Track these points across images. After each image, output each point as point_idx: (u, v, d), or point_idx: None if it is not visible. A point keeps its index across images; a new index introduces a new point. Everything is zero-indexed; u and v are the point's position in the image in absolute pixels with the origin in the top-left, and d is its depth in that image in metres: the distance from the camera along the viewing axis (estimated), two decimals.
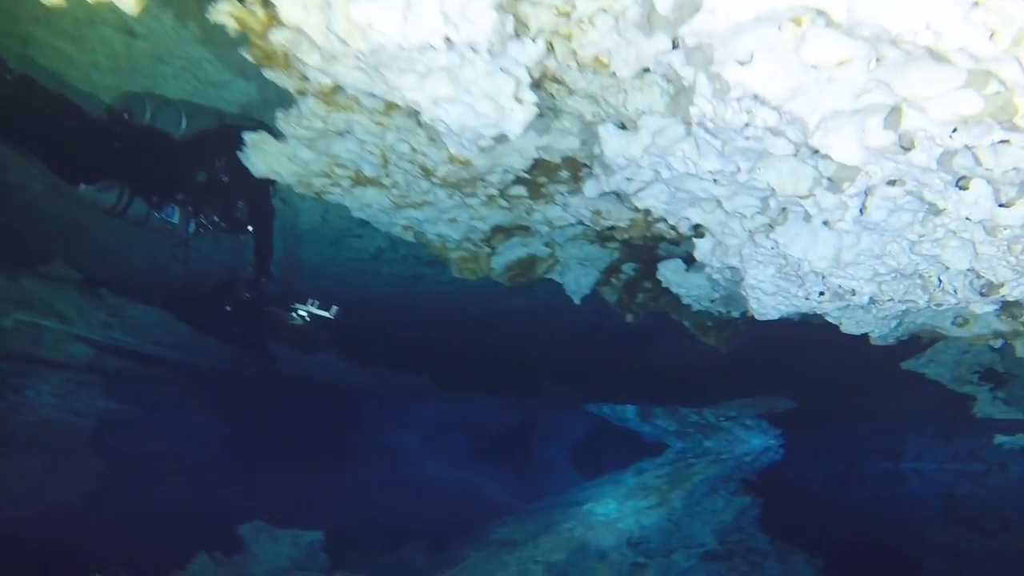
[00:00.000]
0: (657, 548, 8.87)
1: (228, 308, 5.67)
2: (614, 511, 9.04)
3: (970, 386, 7.17)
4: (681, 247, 5.23)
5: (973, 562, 12.33)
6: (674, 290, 5.14)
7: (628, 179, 3.49)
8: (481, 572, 9.34)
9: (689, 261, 5.08)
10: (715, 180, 3.14)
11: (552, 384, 18.70)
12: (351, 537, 14.67)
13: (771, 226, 3.26)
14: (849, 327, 4.03)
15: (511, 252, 5.49)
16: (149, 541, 10.47)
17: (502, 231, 5.16)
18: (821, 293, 3.49)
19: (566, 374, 17.78)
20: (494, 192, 4.41)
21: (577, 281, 5.99)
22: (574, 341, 14.87)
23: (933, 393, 13.83)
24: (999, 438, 11.03)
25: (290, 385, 14.48)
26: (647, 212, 4.02)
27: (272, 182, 4.26)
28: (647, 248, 5.79)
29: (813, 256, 3.15)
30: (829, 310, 3.78)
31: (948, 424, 13.24)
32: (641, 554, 8.73)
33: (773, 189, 2.88)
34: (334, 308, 6.08)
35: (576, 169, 4.08)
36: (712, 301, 5.24)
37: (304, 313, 6.03)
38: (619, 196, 3.98)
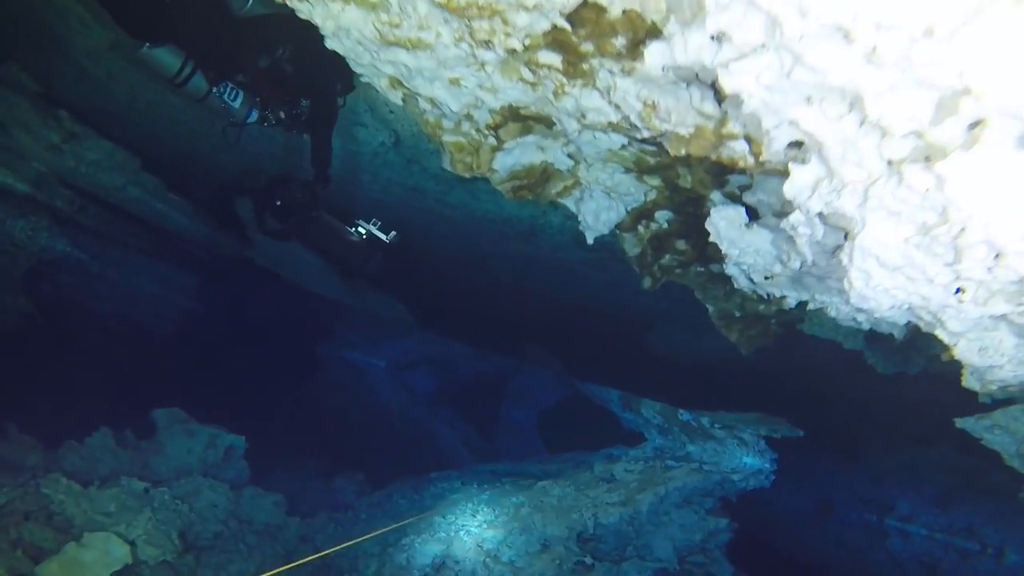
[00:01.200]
0: (608, 551, 7.73)
1: (279, 203, 5.53)
2: (570, 497, 7.88)
3: None
4: (744, 197, 3.94)
5: None
6: (724, 248, 3.83)
7: (721, 36, 2.19)
8: (412, 532, 8.22)
9: (754, 215, 3.78)
10: (872, 52, 1.85)
11: (537, 347, 17.59)
12: (284, 452, 13.71)
13: (940, 152, 1.96)
14: (968, 354, 2.73)
15: (523, 153, 4.19)
16: (55, 401, 9.42)
17: (517, 118, 3.86)
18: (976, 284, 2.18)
19: (553, 340, 16.64)
20: (517, 46, 3.10)
21: (597, 215, 4.70)
22: (571, 304, 13.67)
23: (981, 463, 12.70)
24: None
25: (265, 280, 13.55)
26: (726, 113, 2.72)
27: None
28: (695, 197, 4.49)
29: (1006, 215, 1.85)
30: (959, 321, 2.49)
31: (952, 486, 12.07)
32: (589, 553, 7.59)
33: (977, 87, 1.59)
34: (393, 234, 5.99)
35: (638, 32, 2.77)
36: (768, 278, 3.92)
37: (364, 231, 5.93)
38: (693, 79, 2.69)
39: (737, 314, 6.46)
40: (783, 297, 4.16)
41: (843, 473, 15.69)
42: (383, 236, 5.99)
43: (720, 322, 6.88)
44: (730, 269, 4.18)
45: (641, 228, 5.15)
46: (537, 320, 15.29)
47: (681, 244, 5.40)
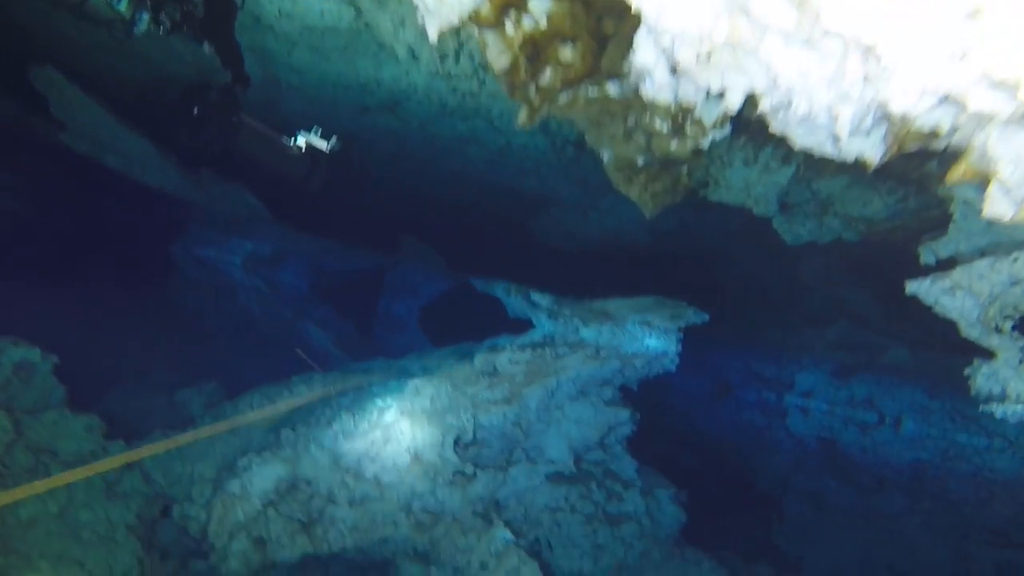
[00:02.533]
0: (492, 456, 6.57)
1: (195, 111, 5.23)
2: (445, 397, 6.60)
3: (997, 336, 4.87)
4: None
5: (837, 516, 10.92)
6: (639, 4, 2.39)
7: None
8: (254, 450, 6.79)
9: None
10: None
11: (413, 241, 16.12)
12: (130, 366, 11.99)
13: None
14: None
15: None
16: None
17: None
18: None
19: (430, 233, 15.13)
20: None
21: None
22: (447, 191, 12.29)
23: (879, 340, 12.13)
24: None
25: (88, 170, 11.60)
26: None
27: None
28: None
29: None
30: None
31: (851, 364, 11.59)
32: (470, 460, 6.39)
33: None
34: (333, 139, 5.71)
35: None
36: (706, 55, 2.51)
37: (302, 142, 5.66)
38: None
39: (640, 161, 5.11)
40: (720, 96, 2.79)
41: (741, 353, 15.21)
42: (323, 144, 5.64)
43: (618, 175, 5.52)
44: (643, 55, 2.76)
45: (509, 24, 3.64)
46: (411, 211, 13.71)
47: (567, 52, 3.93)
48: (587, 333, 7.30)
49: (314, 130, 5.68)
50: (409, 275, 17.23)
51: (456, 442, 6.29)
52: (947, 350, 12.08)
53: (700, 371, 14.99)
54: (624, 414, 6.85)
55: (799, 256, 14.61)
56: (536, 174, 11.85)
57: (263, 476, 5.85)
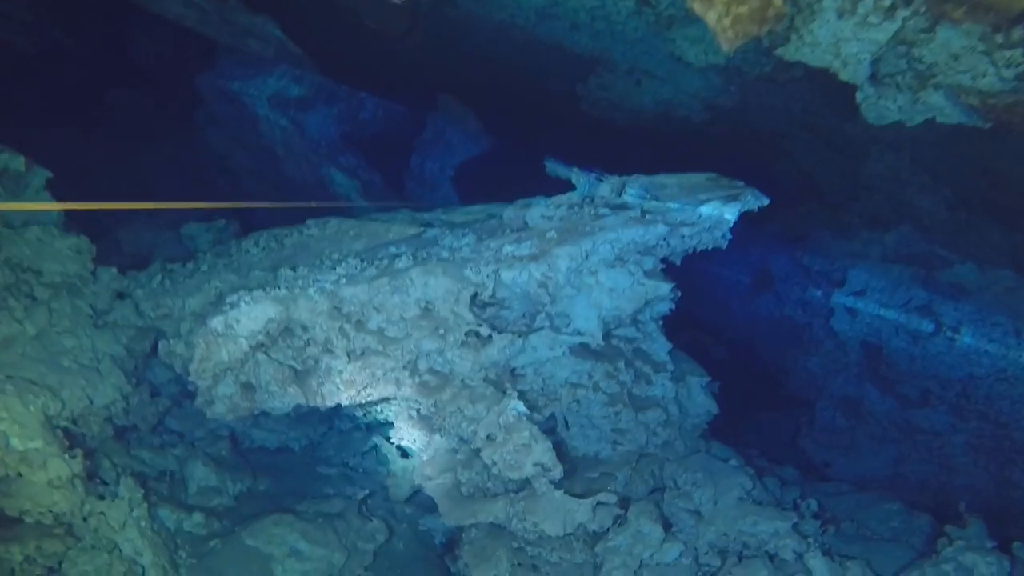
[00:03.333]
0: (512, 319, 5.83)
1: None
2: (467, 249, 5.82)
3: None
4: None
5: (872, 426, 10.23)
6: None
7: None
8: (245, 288, 6.12)
9: None
10: None
11: (451, 100, 15.10)
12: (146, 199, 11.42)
13: None
14: None
15: None
16: None
17: None
18: None
19: (471, 91, 14.09)
20: None
21: None
22: (488, 46, 11.22)
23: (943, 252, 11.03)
24: None
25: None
26: None
27: None
28: None
29: None
30: None
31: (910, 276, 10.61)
32: (487, 321, 5.66)
33: None
34: None
35: None
36: None
37: None
38: None
39: None
40: None
41: (788, 248, 14.26)
42: None
43: None
44: None
45: None
46: (451, 67, 12.62)
47: None
48: (633, 193, 6.41)
49: None
50: (446, 132, 16.26)
51: (473, 299, 5.54)
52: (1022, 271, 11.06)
53: (742, 259, 14.09)
54: (664, 288, 6.02)
55: (865, 153, 13.42)
56: (590, 30, 10.73)
57: (251, 315, 5.18)
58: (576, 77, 12.78)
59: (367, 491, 7.47)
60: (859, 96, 7.95)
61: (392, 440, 7.05)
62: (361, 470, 8.13)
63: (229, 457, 7.43)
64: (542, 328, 5.75)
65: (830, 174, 14.99)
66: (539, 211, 6.16)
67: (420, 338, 5.43)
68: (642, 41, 11.10)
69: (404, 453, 7.49)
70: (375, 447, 7.97)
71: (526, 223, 6.10)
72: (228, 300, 5.32)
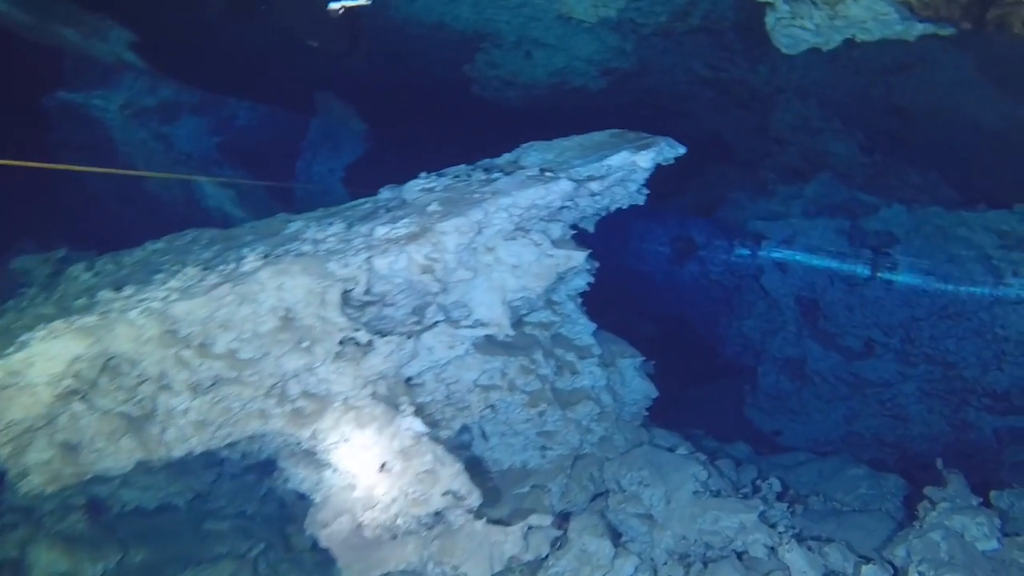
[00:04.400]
0: (399, 318, 4.73)
1: None
2: (333, 238, 4.70)
3: None
4: None
5: (819, 386, 9.54)
6: None
7: None
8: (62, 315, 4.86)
9: None
10: None
11: (331, 98, 14.01)
12: None
13: None
14: None
15: None
16: None
17: None
18: None
19: (350, 87, 13.02)
20: None
21: None
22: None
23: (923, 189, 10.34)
24: None
25: None
26: None
27: None
28: None
29: None
30: None
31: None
32: (364, 324, 4.55)
33: None
34: None
35: None
36: None
37: (339, 6, 5.03)
38: None
39: None
40: None
41: (705, 209, 13.58)
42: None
43: None
44: None
45: None
46: (325, 61, 11.47)
47: None
48: (531, 155, 5.41)
49: None
50: (332, 132, 15.04)
51: (345, 298, 4.43)
52: (952, 206, 10.56)
53: (661, 229, 13.36)
54: (578, 257, 5.02)
55: (771, 105, 12.82)
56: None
57: (48, 355, 3.94)
58: (462, 58, 11.76)
59: (263, 545, 6.31)
60: (770, 20, 7.15)
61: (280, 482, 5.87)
62: (259, 519, 6.93)
63: (87, 531, 6.11)
64: (436, 324, 4.68)
65: (738, 132, 14.37)
66: (419, 184, 5.08)
67: (282, 356, 4.30)
68: (527, 3, 10.17)
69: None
70: (271, 490, 6.78)
71: (404, 200, 5.01)
72: (18, 340, 4.08)
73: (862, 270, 9.47)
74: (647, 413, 6.33)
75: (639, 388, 6.07)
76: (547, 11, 10.03)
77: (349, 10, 5.22)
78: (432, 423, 4.73)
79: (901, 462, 8.83)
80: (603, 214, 5.76)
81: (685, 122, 13.84)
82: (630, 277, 13.79)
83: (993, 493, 6.33)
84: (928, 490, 5.69)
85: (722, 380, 11.24)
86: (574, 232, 5.41)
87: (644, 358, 6.19)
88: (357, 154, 14.47)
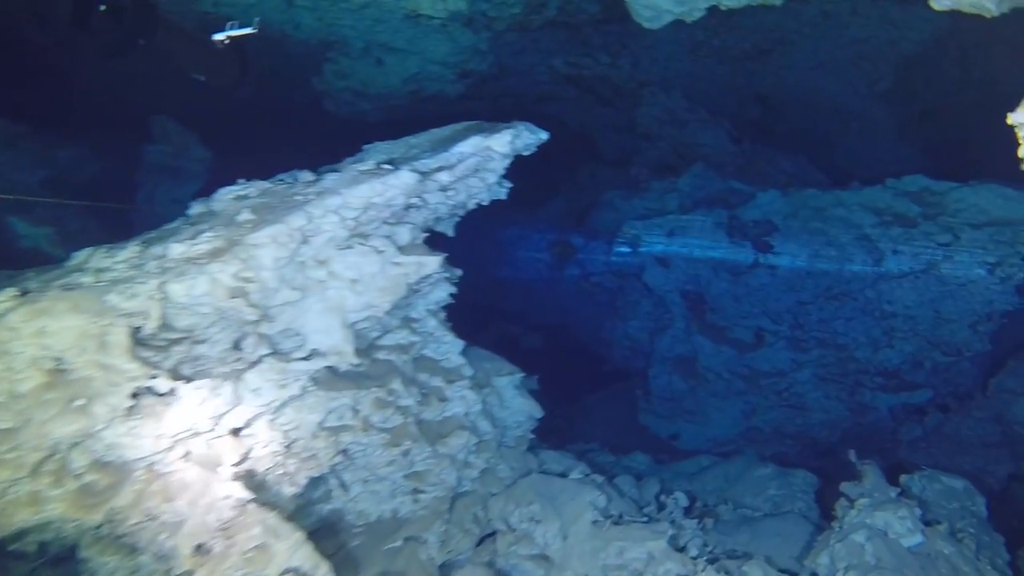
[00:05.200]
0: (215, 356, 3.79)
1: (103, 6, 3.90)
2: (126, 264, 3.72)
3: None
4: None
5: (714, 383, 9.08)
6: None
7: None
8: None
9: None
10: None
11: (170, 122, 12.77)
12: None
13: None
14: None
15: None
16: None
17: None
18: None
19: (190, 111, 11.91)
20: None
21: None
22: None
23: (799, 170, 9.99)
24: None
25: None
26: None
27: None
28: None
29: None
30: None
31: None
32: (164, 368, 3.58)
33: None
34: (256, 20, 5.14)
35: None
36: None
37: (224, 37, 4.98)
38: None
39: None
40: None
41: (579, 213, 13.10)
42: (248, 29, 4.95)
43: None
44: None
45: None
46: (158, 84, 10.32)
47: None
48: (374, 156, 4.57)
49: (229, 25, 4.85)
50: (172, 160, 13.62)
51: (137, 339, 3.46)
52: (826, 187, 10.40)
53: (537, 236, 12.77)
54: (431, 263, 4.21)
55: (636, 100, 12.48)
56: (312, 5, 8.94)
57: None
58: (309, 69, 10.86)
59: None
60: None
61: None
62: None
63: None
64: (261, 360, 3.76)
65: (606, 131, 14.03)
66: (231, 191, 4.16)
67: (49, 421, 3.30)
68: (371, 4, 9.37)
69: None
70: None
71: (212, 211, 4.08)
72: None
73: (744, 258, 9.11)
74: (533, 435, 5.58)
75: (521, 408, 5.32)
76: (393, 11, 9.28)
77: (234, 40, 5.10)
78: (265, 484, 3.80)
79: (803, 453, 8.46)
80: (461, 213, 5.00)
81: (551, 125, 13.27)
82: (509, 288, 13.13)
83: (904, 478, 5.95)
84: (844, 486, 5.20)
85: (613, 387, 10.68)
86: (428, 236, 4.61)
87: (524, 374, 5.44)
88: (201, 183, 13.23)
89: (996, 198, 7.65)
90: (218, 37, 5.04)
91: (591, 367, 11.23)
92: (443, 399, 4.74)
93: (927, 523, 4.96)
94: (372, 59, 10.76)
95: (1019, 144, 3.07)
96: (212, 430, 3.72)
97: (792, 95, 12.55)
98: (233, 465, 3.52)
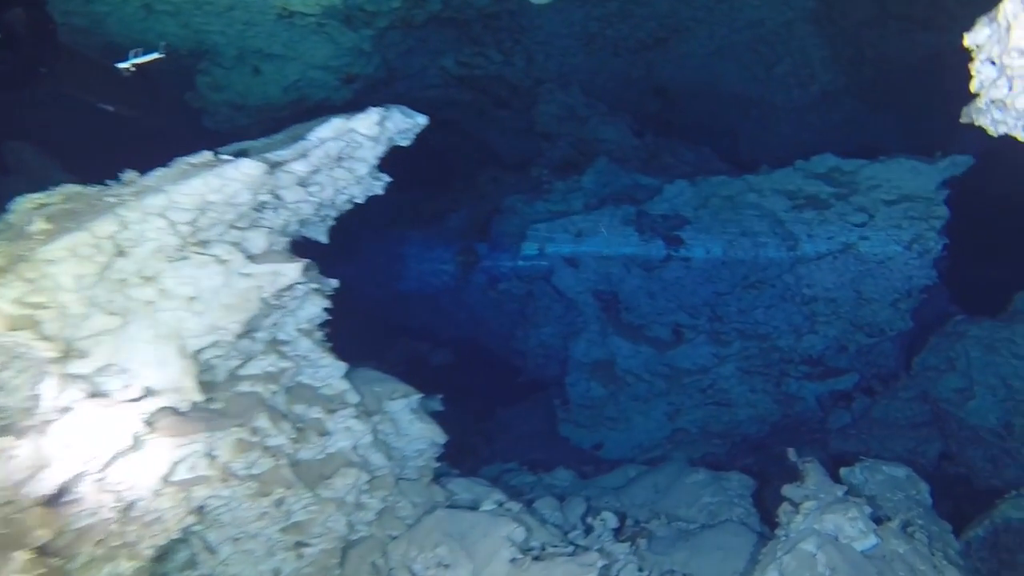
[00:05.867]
0: (16, 406, 2.97)
1: None
2: None
3: None
4: None
5: (635, 386, 8.56)
6: None
7: None
8: None
9: None
10: None
11: (27, 149, 11.56)
12: None
13: None
14: None
15: None
16: None
17: None
18: None
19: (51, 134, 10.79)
20: None
21: None
22: None
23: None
24: None
25: None
26: None
27: None
28: None
29: None
30: None
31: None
32: None
33: None
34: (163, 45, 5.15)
35: None
36: None
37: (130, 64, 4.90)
38: None
39: None
40: None
41: (483, 220, 12.50)
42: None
43: None
44: None
45: None
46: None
47: None
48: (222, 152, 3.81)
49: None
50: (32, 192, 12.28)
51: None
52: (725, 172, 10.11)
53: (440, 247, 12.09)
54: (289, 272, 3.49)
55: (534, 98, 11.99)
56: (169, 5, 8.10)
57: None
58: (179, 82, 9.91)
59: None
60: None
61: None
62: None
63: None
64: (71, 407, 2.96)
65: (505, 135, 13.53)
66: (33, 198, 3.34)
67: None
68: (238, 5, 8.56)
69: None
70: None
71: (9, 224, 3.26)
72: None
73: (656, 252, 8.65)
74: (439, 463, 4.88)
75: (420, 435, 4.61)
76: (264, 11, 8.46)
77: (140, 67, 5.02)
78: (95, 560, 3.00)
79: (733, 452, 8.02)
80: (333, 214, 4.28)
81: (448, 133, 12.78)
82: (415, 305, 12.39)
83: (844, 471, 5.52)
84: (786, 489, 4.69)
85: (531, 398, 10.07)
86: (286, 239, 3.87)
87: (421, 395, 4.73)
88: None
89: (907, 172, 7.40)
90: (123, 65, 4.96)
91: (506, 379, 10.61)
92: (324, 433, 4.00)
93: (877, 520, 4.49)
94: (248, 68, 9.87)
95: (971, 77, 2.58)
96: (13, 500, 2.90)
97: (691, 85, 12.28)
98: (22, 551, 2.71)
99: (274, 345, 4.02)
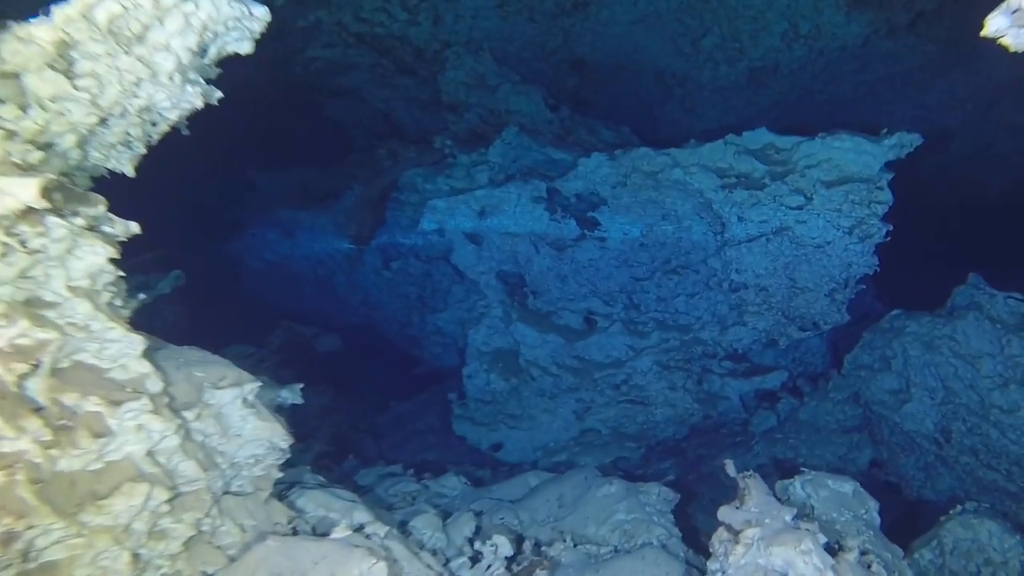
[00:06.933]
0: None
1: None
2: None
3: None
4: None
5: (540, 380, 7.57)
6: None
7: None
8: None
9: None
10: None
11: None
12: None
13: None
14: None
15: None
16: None
17: None
18: None
19: None
20: None
21: None
22: None
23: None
24: None
25: None
26: None
27: None
28: None
29: None
30: None
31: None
32: None
33: None
34: None
35: None
36: None
37: None
38: None
39: None
40: None
41: (382, 196, 11.39)
42: None
43: None
44: None
45: None
46: None
47: None
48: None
49: None
50: None
51: None
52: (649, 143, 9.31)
53: (330, 227, 10.88)
54: (19, 190, 2.31)
55: (440, 65, 10.90)
56: None
57: None
58: None
59: None
60: None
61: None
62: None
63: None
64: None
65: (409, 104, 12.43)
66: None
67: None
68: None
69: None
70: None
71: None
72: None
73: (568, 232, 7.70)
74: (283, 471, 3.74)
75: (256, 435, 3.46)
76: None
77: None
78: None
79: (649, 456, 7.14)
80: (135, 133, 3.09)
81: (348, 102, 11.66)
82: (304, 288, 11.14)
83: (781, 485, 4.67)
84: (723, 512, 3.75)
85: (427, 391, 8.99)
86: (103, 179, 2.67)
87: (260, 383, 3.57)
88: None
89: (848, 152, 6.65)
90: None
91: (400, 370, 9.50)
92: (100, 434, 2.83)
93: (830, 551, 3.61)
94: None
95: None
96: None
97: (611, 58, 11.38)
98: None
99: (36, 307, 2.82)
